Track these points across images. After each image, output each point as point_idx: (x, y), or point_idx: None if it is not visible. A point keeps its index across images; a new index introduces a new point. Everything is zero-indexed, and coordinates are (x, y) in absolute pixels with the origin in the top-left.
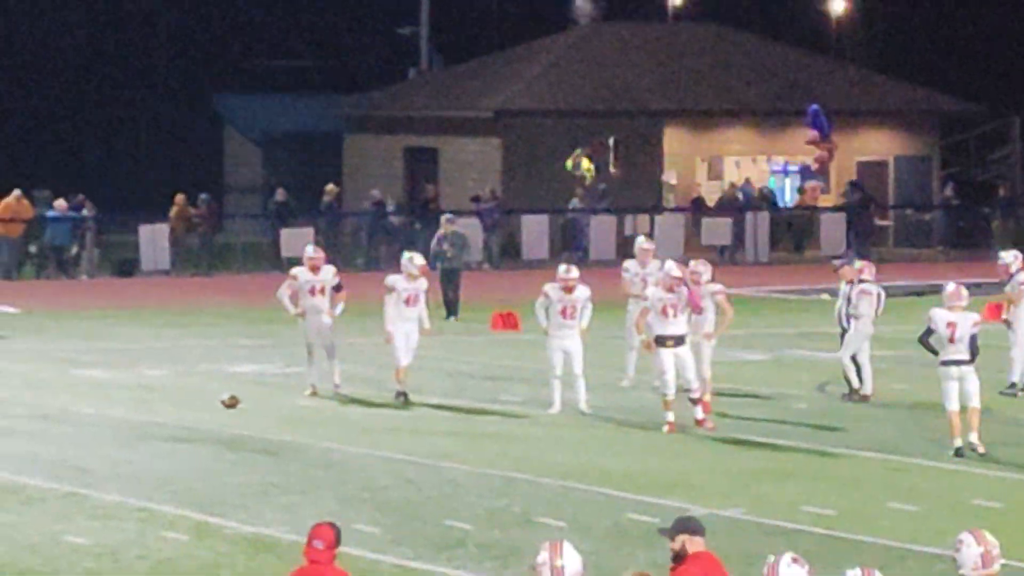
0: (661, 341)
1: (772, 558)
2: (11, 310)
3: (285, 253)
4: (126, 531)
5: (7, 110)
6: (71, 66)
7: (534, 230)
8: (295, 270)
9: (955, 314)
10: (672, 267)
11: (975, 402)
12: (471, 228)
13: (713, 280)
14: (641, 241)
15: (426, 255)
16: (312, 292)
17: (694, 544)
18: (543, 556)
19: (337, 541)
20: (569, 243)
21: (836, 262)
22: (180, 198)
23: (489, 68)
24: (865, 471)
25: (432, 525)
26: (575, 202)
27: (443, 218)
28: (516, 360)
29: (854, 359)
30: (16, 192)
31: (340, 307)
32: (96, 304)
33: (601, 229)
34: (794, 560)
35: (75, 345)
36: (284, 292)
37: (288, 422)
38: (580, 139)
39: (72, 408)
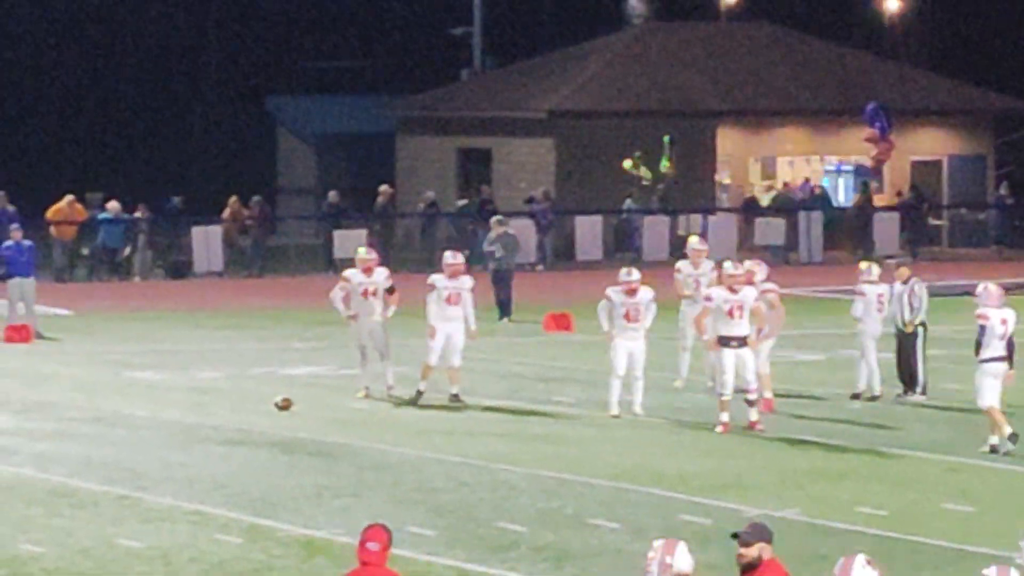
0: (724, 342)
1: (842, 560)
2: (64, 312)
3: (338, 255)
4: (179, 534)
5: (62, 114)
6: (125, 69)
7: (587, 231)
8: (347, 272)
9: (1004, 311)
10: (730, 267)
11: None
12: (524, 229)
13: (767, 279)
14: (694, 242)
15: (480, 257)
16: (365, 294)
17: (768, 552)
18: (653, 552)
19: (389, 543)
20: (622, 244)
21: (890, 261)
22: (233, 200)
23: (542, 69)
24: (919, 471)
25: (485, 527)
26: (629, 202)
27: (493, 220)
28: (569, 361)
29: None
30: (69, 197)
31: (392, 309)
32: (149, 306)
33: (654, 229)
34: (868, 562)
35: (128, 347)
36: (337, 294)
37: (341, 424)
38: (634, 140)
39: (125, 411)
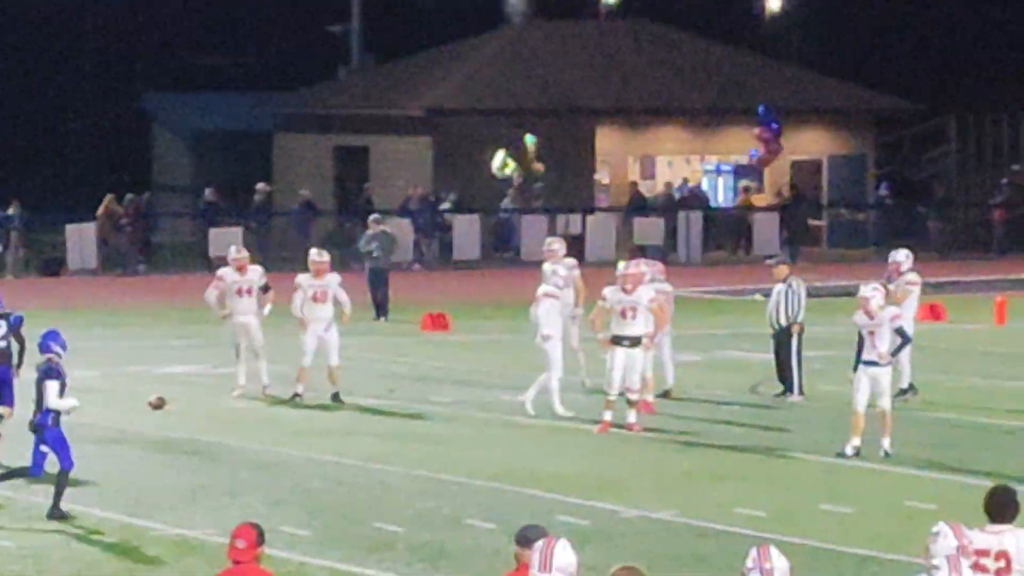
0: (616, 340)
1: (756, 549)
2: None
3: (214, 253)
4: (52, 534)
5: None
6: None
7: (465, 230)
8: (221, 271)
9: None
10: (622, 267)
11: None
12: (402, 228)
13: (656, 280)
14: (548, 242)
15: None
16: (239, 293)
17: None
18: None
19: (260, 540)
20: (500, 244)
21: (770, 261)
22: (108, 197)
23: (421, 66)
24: (798, 472)
25: (362, 527)
26: (507, 202)
27: (370, 218)
28: (447, 361)
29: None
30: None
31: (268, 308)
32: (22, 304)
33: (533, 229)
34: (780, 551)
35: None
36: (211, 293)
37: (217, 424)
38: (508, 139)
39: None
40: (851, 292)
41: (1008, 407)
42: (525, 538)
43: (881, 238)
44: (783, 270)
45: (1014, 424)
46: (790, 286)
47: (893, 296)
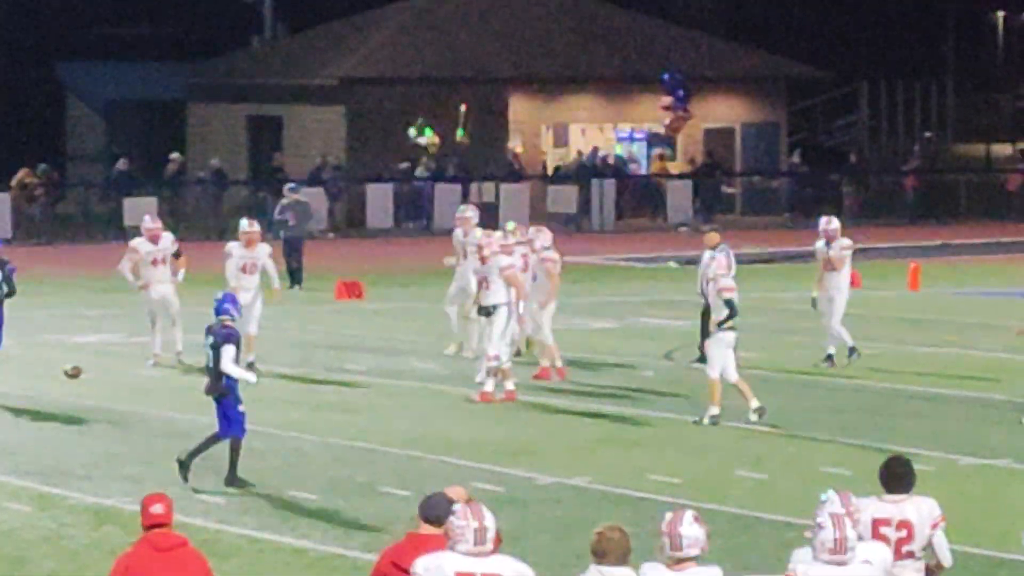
0: (479, 311)
1: (670, 515)
2: None
3: (128, 223)
4: None
5: None
6: None
7: (379, 199)
8: (134, 242)
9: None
10: (480, 236)
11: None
12: (315, 197)
13: (552, 247)
14: (462, 210)
15: (271, 224)
16: (154, 263)
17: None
18: (462, 518)
19: (171, 508)
20: (412, 213)
21: (683, 229)
22: (23, 169)
23: (333, 35)
24: (712, 439)
25: (277, 495)
26: (421, 171)
27: (285, 187)
28: (361, 329)
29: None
30: None
31: (181, 273)
32: None
33: (446, 198)
34: (696, 519)
35: None
36: (125, 265)
37: (132, 392)
38: (427, 107)
39: None
40: (765, 259)
41: (921, 372)
42: (434, 511)
43: (794, 205)
44: (714, 237)
45: (928, 391)
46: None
47: (832, 261)
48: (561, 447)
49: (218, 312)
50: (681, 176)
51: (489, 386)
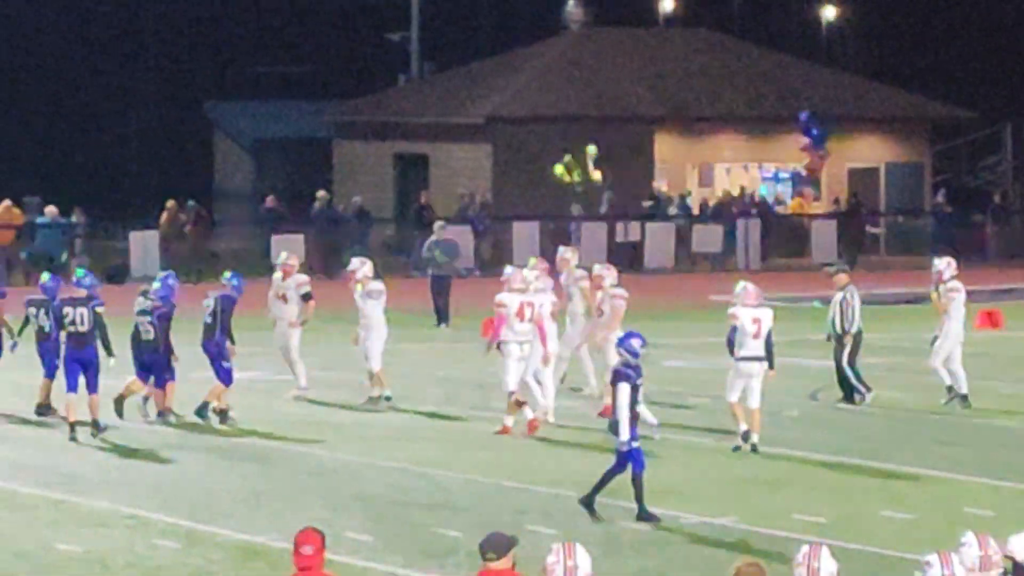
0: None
1: (807, 548)
2: None
3: (276, 260)
4: (116, 538)
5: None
6: (63, 73)
7: (524, 236)
8: (275, 275)
9: (759, 311)
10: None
11: (757, 403)
12: (462, 235)
13: (618, 285)
14: (561, 251)
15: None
16: (281, 298)
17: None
18: (555, 556)
19: (323, 546)
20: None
21: (828, 269)
22: (171, 204)
23: (480, 74)
24: (857, 479)
25: (423, 533)
26: (578, 209)
27: (436, 224)
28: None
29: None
30: (6, 202)
31: (303, 317)
32: None
33: (593, 236)
34: (831, 554)
35: None
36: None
37: (279, 429)
38: (571, 145)
39: (62, 414)
40: (909, 299)
41: None
42: (481, 549)
43: (938, 245)
44: (843, 278)
45: None
46: (846, 296)
47: (937, 304)
48: (707, 487)
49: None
50: (826, 216)
51: (510, 420)
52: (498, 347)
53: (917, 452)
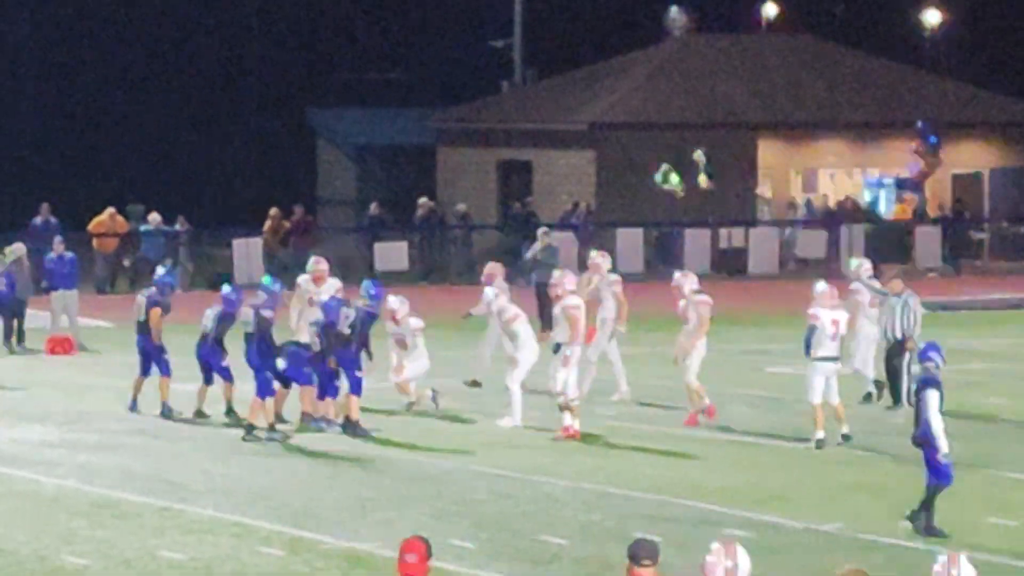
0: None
1: (944, 557)
2: (106, 324)
3: (379, 267)
4: (221, 546)
5: (104, 126)
6: (166, 80)
7: (628, 243)
8: (300, 278)
9: (837, 313)
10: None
11: (837, 398)
12: (565, 241)
13: (700, 290)
14: (593, 255)
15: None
16: (311, 304)
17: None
18: (714, 556)
19: (428, 554)
20: (665, 257)
21: (931, 275)
22: (274, 211)
23: (583, 81)
24: (962, 485)
25: (527, 539)
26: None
27: (539, 231)
28: (612, 374)
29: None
30: (110, 210)
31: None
32: (191, 318)
33: (697, 243)
34: (969, 559)
35: (171, 359)
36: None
37: (381, 436)
38: (675, 152)
39: (167, 422)
40: (1013, 305)
41: None
42: (635, 554)
43: None
44: (898, 284)
45: None
46: (906, 301)
47: None
48: (812, 493)
49: (921, 359)
50: (931, 221)
51: (567, 419)
52: (556, 348)
53: (1021, 458)
